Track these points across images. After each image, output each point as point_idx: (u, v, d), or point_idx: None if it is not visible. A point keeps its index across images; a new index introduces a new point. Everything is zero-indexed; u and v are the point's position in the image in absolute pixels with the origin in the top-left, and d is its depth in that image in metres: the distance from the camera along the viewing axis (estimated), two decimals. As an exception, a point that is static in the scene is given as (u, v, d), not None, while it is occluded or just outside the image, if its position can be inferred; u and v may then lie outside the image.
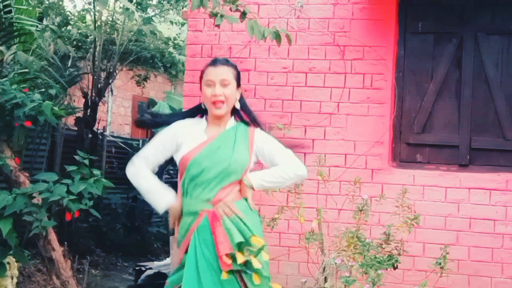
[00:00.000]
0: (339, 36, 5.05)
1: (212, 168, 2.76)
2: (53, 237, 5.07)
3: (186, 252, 2.76)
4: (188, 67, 5.36)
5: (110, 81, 8.44)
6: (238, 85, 2.89)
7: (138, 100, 13.80)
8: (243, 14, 4.32)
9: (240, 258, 2.64)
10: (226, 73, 2.83)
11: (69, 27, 8.51)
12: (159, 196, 2.88)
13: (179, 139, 2.85)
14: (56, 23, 8.03)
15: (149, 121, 3.04)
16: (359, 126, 4.97)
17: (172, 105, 9.99)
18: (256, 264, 2.67)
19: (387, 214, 4.35)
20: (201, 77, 2.89)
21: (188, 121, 2.92)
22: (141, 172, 2.92)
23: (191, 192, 2.79)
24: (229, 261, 2.64)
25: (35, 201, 4.62)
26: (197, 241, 2.72)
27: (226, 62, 2.88)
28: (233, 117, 2.94)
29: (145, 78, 10.66)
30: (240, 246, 2.67)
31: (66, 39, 7.99)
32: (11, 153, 5.02)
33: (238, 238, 2.66)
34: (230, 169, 2.78)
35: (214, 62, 2.87)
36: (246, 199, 2.86)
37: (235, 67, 2.89)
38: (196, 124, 2.90)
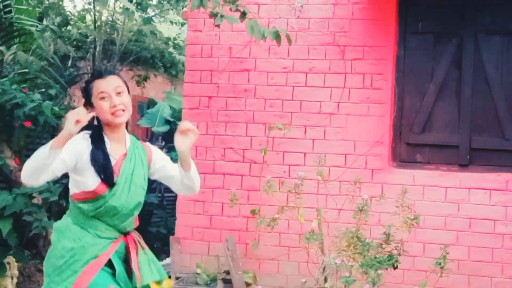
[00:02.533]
0: (339, 36, 5.05)
1: (130, 202, 2.68)
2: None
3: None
4: (188, 67, 5.37)
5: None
6: (129, 90, 2.73)
7: (138, 100, 13.76)
8: (243, 14, 4.32)
9: None
10: (116, 81, 2.67)
11: (69, 27, 8.52)
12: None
13: (83, 157, 2.60)
14: (56, 23, 8.03)
15: None
16: (359, 126, 4.97)
17: (172, 105, 9.99)
18: None
19: (387, 214, 4.35)
20: (86, 95, 2.68)
21: (87, 138, 2.66)
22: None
23: (105, 220, 2.66)
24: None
25: (35, 201, 4.63)
26: (119, 266, 2.67)
27: (110, 71, 2.78)
28: (125, 128, 2.75)
29: (145, 78, 10.66)
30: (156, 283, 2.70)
31: (66, 39, 7.99)
32: (11, 153, 5.02)
33: (160, 277, 2.72)
34: (143, 199, 2.75)
35: (100, 74, 2.69)
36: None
37: (119, 75, 2.77)
38: (99, 143, 2.65)
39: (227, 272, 4.81)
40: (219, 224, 5.15)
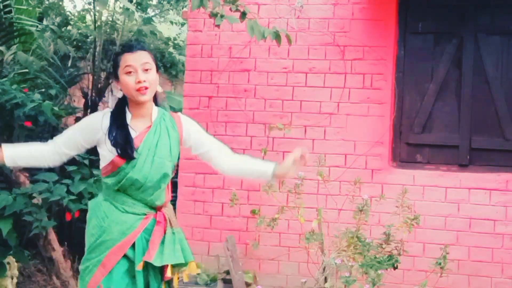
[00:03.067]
0: (339, 36, 5.05)
1: (153, 173, 2.63)
2: (53, 237, 5.07)
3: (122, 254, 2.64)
4: (188, 67, 5.37)
5: (110, 81, 8.43)
6: (158, 69, 2.69)
7: (138, 100, 13.78)
8: (243, 14, 4.32)
9: (169, 273, 2.65)
10: (145, 57, 2.62)
11: (69, 27, 8.51)
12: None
13: (102, 132, 2.62)
14: (56, 23, 8.03)
15: None
16: (359, 126, 4.97)
17: (172, 105, 9.98)
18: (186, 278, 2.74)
19: (387, 214, 4.36)
20: (114, 67, 2.65)
21: (104, 115, 2.68)
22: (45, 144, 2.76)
23: (131, 193, 2.64)
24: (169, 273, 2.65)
25: (35, 201, 4.62)
26: (145, 244, 2.64)
27: (141, 46, 2.67)
28: (153, 104, 2.74)
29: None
30: (177, 265, 2.67)
31: (66, 39, 7.99)
32: (11, 153, 5.01)
33: (182, 259, 2.67)
34: (170, 171, 2.69)
35: (130, 48, 2.63)
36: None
37: (150, 51, 2.69)
38: (119, 116, 2.65)
39: (227, 272, 4.82)
40: (219, 224, 5.15)
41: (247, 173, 2.84)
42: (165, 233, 2.67)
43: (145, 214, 2.67)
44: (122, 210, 2.65)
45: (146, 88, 2.59)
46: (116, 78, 2.64)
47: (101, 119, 2.65)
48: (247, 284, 4.80)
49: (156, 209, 2.69)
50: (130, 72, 2.58)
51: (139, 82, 2.57)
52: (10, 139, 5.16)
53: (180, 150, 2.75)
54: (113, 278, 2.60)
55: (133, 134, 2.63)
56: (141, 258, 2.61)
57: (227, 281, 4.79)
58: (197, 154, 2.85)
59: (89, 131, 2.66)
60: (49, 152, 2.71)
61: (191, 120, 2.85)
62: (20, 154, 2.72)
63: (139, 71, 2.58)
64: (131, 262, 2.64)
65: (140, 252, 2.62)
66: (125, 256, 2.63)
